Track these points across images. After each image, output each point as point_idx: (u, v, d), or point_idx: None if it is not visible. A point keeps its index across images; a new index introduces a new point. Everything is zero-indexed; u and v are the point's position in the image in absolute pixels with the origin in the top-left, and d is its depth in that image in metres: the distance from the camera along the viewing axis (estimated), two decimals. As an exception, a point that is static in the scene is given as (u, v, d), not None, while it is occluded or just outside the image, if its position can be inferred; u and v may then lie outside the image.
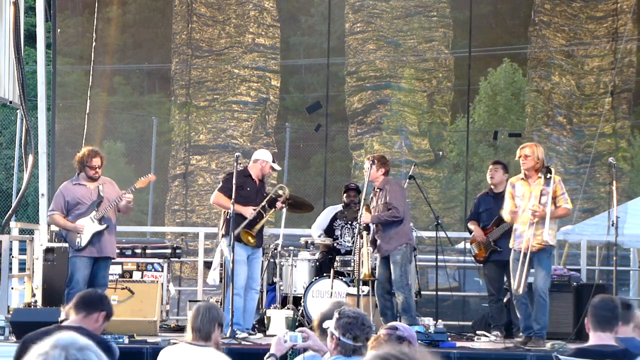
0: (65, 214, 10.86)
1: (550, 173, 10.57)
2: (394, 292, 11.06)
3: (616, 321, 6.37)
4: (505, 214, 10.90)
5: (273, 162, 11.50)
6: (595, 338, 6.36)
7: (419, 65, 17.19)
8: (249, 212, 11.19)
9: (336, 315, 5.50)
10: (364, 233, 11.06)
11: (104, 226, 10.82)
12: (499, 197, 11.62)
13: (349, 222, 12.68)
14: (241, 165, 11.36)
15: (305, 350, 5.70)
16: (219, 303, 12.08)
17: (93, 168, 10.89)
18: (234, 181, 10.91)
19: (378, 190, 11.25)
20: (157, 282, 11.93)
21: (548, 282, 10.66)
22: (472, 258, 12.03)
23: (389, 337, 5.78)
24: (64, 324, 6.15)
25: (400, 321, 10.45)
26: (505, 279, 11.60)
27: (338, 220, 12.80)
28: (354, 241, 11.86)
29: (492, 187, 11.94)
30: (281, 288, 12.08)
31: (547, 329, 10.62)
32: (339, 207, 12.91)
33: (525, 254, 10.47)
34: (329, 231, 12.77)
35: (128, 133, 19.42)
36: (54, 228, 12.53)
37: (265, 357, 5.67)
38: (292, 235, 13.54)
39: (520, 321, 10.78)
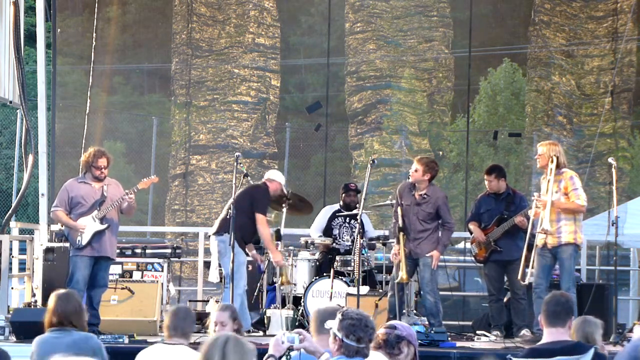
0: (68, 211, 10.86)
1: (558, 167, 10.58)
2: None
3: (567, 315, 6.43)
4: None
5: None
6: (548, 334, 6.42)
7: (419, 65, 17.18)
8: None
9: (339, 316, 5.49)
10: (401, 235, 10.98)
11: (105, 226, 10.80)
12: (499, 198, 11.65)
13: (347, 221, 12.67)
14: (240, 165, 11.33)
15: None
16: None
17: (99, 168, 10.87)
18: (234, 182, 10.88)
19: (424, 196, 11.08)
20: (157, 282, 11.92)
21: (571, 281, 10.54)
22: (473, 258, 12.02)
23: (388, 336, 5.78)
24: None
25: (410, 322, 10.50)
26: (505, 278, 11.61)
27: (336, 219, 12.78)
28: (353, 240, 11.84)
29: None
30: (281, 288, 12.07)
31: None
32: (336, 207, 12.89)
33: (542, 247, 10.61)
34: (327, 231, 12.75)
35: (128, 133, 19.41)
36: (54, 228, 12.52)
37: (264, 358, 5.67)
38: (292, 235, 13.52)
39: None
